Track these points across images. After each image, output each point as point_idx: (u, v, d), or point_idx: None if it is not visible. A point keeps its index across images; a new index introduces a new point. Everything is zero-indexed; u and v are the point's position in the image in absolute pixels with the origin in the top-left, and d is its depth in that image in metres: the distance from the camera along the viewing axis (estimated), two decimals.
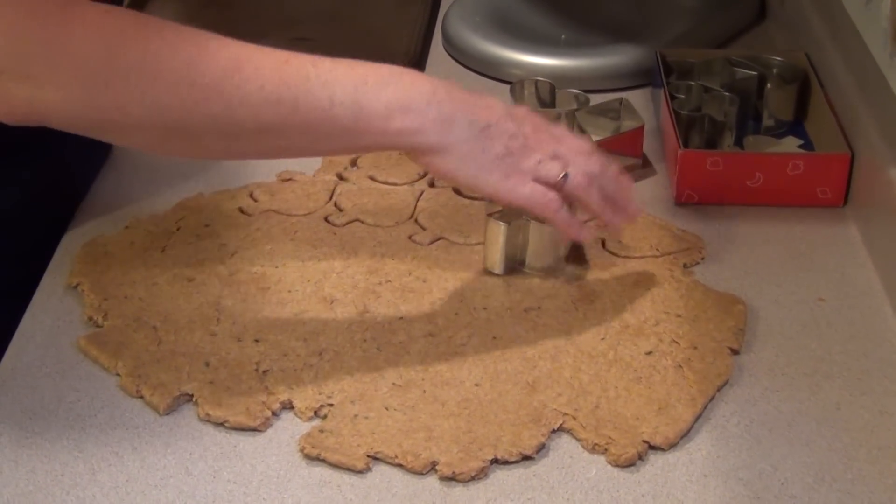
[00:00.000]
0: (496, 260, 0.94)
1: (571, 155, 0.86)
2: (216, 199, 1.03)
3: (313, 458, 0.79)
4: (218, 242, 0.98)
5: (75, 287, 0.94)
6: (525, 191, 0.84)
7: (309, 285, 0.93)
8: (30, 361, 0.88)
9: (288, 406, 0.83)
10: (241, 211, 1.02)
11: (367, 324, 0.89)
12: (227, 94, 0.77)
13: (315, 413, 0.82)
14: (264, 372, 0.85)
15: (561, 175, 0.85)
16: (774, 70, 1.15)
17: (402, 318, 0.90)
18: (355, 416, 0.81)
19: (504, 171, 0.83)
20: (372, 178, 1.07)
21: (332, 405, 0.82)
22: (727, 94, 1.09)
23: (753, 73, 1.13)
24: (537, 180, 0.84)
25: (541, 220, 0.92)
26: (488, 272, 0.95)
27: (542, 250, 0.94)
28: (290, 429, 0.82)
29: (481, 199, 1.01)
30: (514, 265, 0.95)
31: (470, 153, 0.82)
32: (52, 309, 0.93)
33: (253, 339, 0.88)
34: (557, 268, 0.95)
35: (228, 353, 0.87)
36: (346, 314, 0.90)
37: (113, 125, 0.78)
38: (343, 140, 0.81)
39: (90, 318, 0.91)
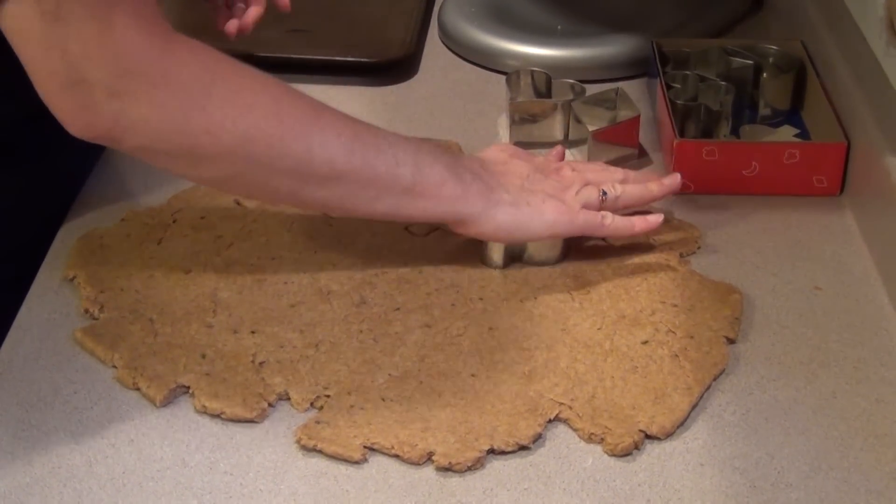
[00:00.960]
0: (495, 259, 0.94)
1: (597, 176, 0.95)
2: (212, 191, 1.03)
3: (310, 450, 0.79)
4: (214, 234, 0.98)
5: (71, 279, 0.94)
6: (580, 220, 0.91)
7: (305, 277, 0.93)
8: (26, 354, 0.88)
9: (284, 397, 0.83)
10: (238, 203, 1.02)
11: (363, 315, 0.89)
12: (309, 136, 0.82)
13: (311, 404, 0.82)
14: (261, 363, 0.85)
15: (601, 195, 0.93)
16: (770, 59, 1.15)
17: (398, 309, 0.90)
18: (351, 406, 0.81)
19: (553, 208, 0.90)
20: None
21: (328, 396, 0.82)
22: (723, 83, 1.09)
23: (749, 62, 1.13)
24: (584, 207, 0.92)
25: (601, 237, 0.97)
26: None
27: (541, 247, 0.94)
28: (287, 420, 0.82)
29: None
30: (512, 261, 0.95)
31: (515, 211, 0.89)
32: (48, 301, 0.93)
33: (249, 331, 0.88)
34: (555, 260, 0.95)
35: (225, 345, 0.87)
36: (343, 305, 0.90)
37: (195, 151, 0.80)
38: (400, 201, 0.86)
39: (86, 311, 0.91)
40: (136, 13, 0.76)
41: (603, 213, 0.92)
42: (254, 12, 1.05)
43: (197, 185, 1.03)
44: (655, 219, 0.94)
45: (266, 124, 0.80)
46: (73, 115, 0.77)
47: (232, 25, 1.04)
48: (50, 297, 0.93)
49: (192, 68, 0.78)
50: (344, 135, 0.84)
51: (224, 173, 0.83)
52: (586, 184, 0.94)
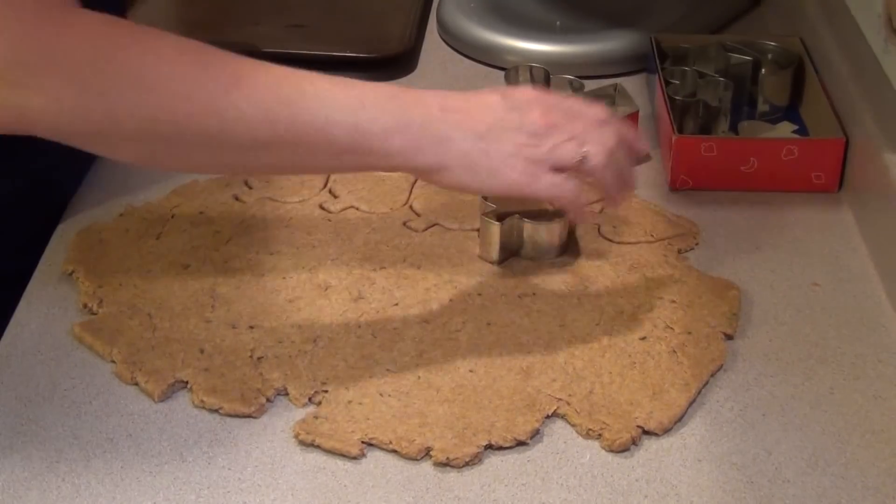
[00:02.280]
0: (493, 255, 0.94)
1: (587, 130, 0.83)
2: (210, 187, 1.03)
3: (308, 445, 0.79)
4: (212, 229, 0.98)
5: (70, 274, 0.94)
6: (542, 184, 0.82)
7: (303, 272, 0.93)
8: (25, 349, 0.88)
9: (282, 392, 0.83)
10: (236, 198, 1.02)
11: (361, 310, 0.90)
12: (223, 110, 0.76)
13: (309, 399, 0.82)
14: (259, 359, 0.85)
15: (578, 157, 0.82)
16: (769, 55, 1.15)
17: (396, 304, 0.90)
18: (349, 402, 0.81)
19: (517, 167, 0.81)
20: None
21: (326, 391, 0.82)
22: (722, 79, 1.09)
23: (748, 58, 1.13)
24: (554, 167, 0.82)
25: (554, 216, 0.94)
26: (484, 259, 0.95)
27: (538, 246, 0.94)
28: (285, 415, 0.82)
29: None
30: (511, 256, 0.95)
31: (475, 163, 0.80)
32: (47, 296, 0.93)
33: (247, 326, 0.88)
34: (553, 256, 0.95)
35: (223, 340, 0.87)
36: (341, 301, 0.90)
37: (103, 136, 0.76)
38: (340, 160, 0.80)
39: (85, 306, 0.91)
40: None
41: (568, 188, 0.83)
42: None
43: (196, 181, 1.04)
44: (591, 217, 0.96)
45: (171, 104, 0.76)
46: None
47: None
48: (49, 292, 0.93)
49: (84, 50, 0.74)
50: (264, 103, 0.78)
51: (141, 153, 0.79)
52: (570, 138, 0.82)
